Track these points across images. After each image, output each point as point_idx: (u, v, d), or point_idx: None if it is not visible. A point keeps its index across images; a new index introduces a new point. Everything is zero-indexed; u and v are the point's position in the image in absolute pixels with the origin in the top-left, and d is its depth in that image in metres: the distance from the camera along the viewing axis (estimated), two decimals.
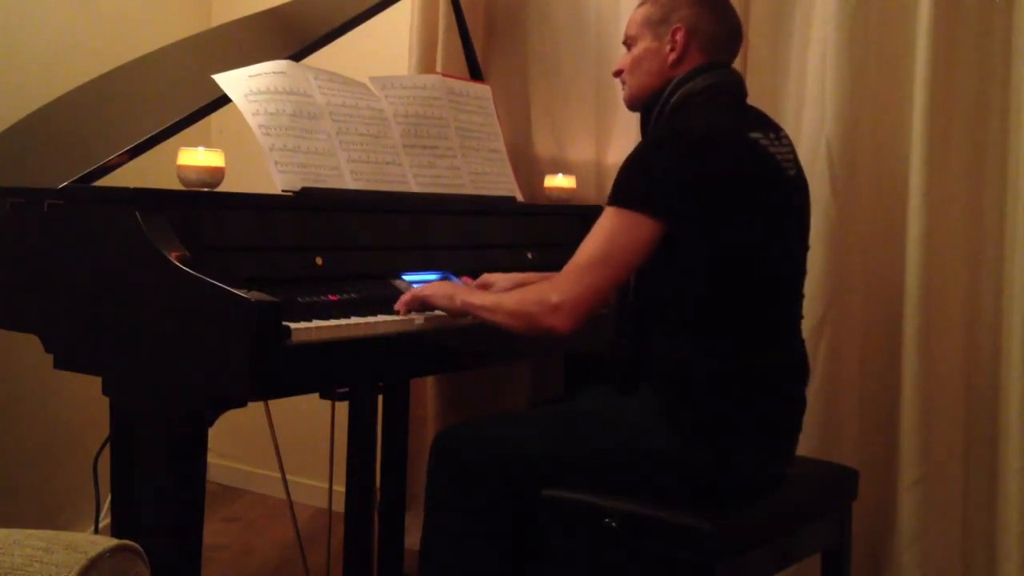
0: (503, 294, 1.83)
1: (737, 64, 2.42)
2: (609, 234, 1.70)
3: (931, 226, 2.25)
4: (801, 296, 1.87)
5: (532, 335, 1.77)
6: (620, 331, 1.83)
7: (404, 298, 1.90)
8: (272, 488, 3.26)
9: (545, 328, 1.71)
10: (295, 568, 2.72)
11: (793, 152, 1.84)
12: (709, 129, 1.73)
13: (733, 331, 1.74)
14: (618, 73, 1.95)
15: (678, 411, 1.73)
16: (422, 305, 1.90)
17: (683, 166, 1.69)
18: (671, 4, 1.87)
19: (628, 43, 1.93)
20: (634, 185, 1.71)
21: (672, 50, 1.84)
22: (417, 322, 1.88)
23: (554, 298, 1.69)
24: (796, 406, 1.84)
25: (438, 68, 2.77)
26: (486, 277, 2.09)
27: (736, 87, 1.87)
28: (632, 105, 1.94)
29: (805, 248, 1.87)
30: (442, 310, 1.88)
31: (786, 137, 1.84)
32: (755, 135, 1.75)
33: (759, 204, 1.73)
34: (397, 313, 1.89)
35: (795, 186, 1.82)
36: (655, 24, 1.87)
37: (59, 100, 2.50)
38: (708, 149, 1.70)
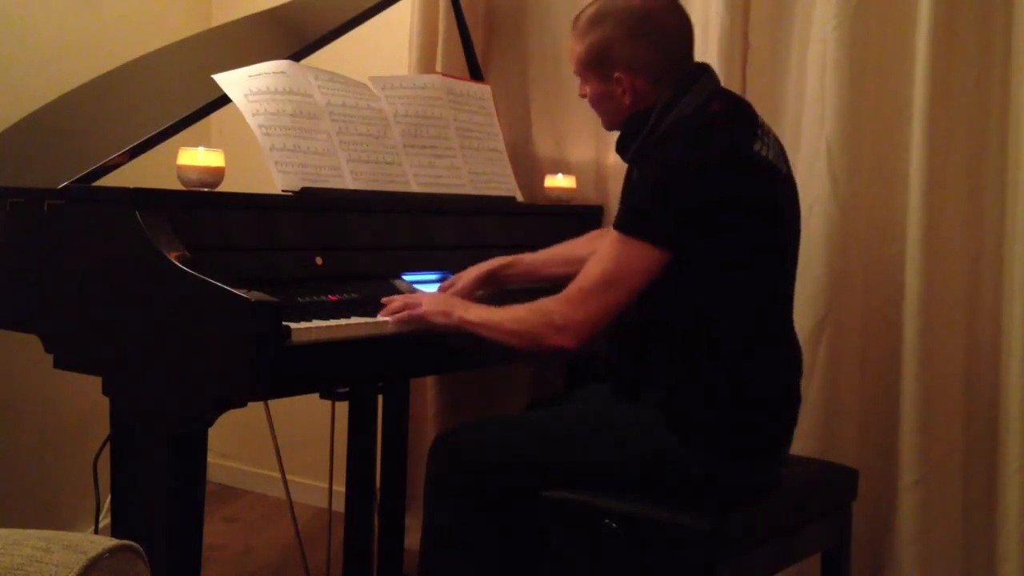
0: (503, 311, 1.80)
1: (737, 64, 2.44)
2: (616, 261, 1.70)
3: (931, 226, 2.25)
4: (793, 283, 1.87)
5: (537, 354, 1.80)
6: (620, 342, 1.84)
7: (395, 307, 1.84)
8: (272, 488, 3.26)
9: (551, 347, 1.73)
10: (295, 568, 2.72)
11: (779, 145, 1.83)
12: (714, 156, 1.70)
13: (733, 337, 1.74)
14: (583, 96, 1.91)
15: (678, 413, 1.73)
16: (419, 323, 1.84)
17: (691, 196, 1.68)
18: (600, 44, 1.79)
19: (577, 74, 1.88)
20: (644, 213, 1.71)
21: (624, 93, 1.80)
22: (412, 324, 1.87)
23: (558, 320, 1.71)
24: (793, 402, 1.84)
25: (438, 68, 2.77)
26: (454, 277, 2.08)
27: (717, 90, 1.83)
28: (608, 129, 1.93)
29: (798, 241, 1.87)
30: (439, 328, 1.84)
31: (769, 129, 1.82)
32: (756, 146, 1.74)
33: (762, 219, 1.74)
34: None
35: (787, 184, 1.83)
36: (593, 66, 1.82)
37: (59, 100, 2.50)
38: (714, 177, 1.69)
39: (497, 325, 1.78)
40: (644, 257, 1.69)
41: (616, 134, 1.89)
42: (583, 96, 1.92)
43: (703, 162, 1.70)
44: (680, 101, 1.77)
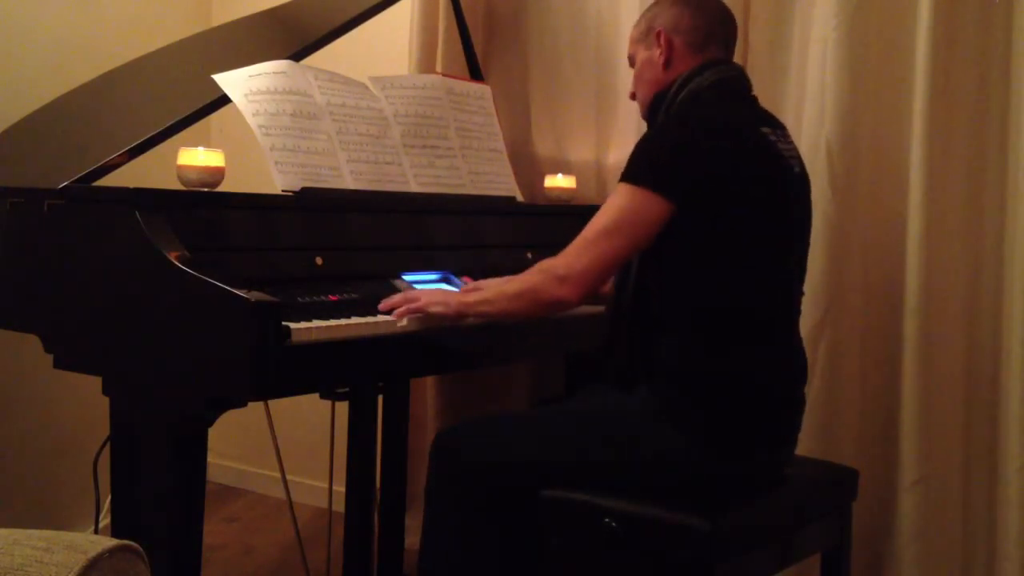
0: (499, 281, 1.83)
1: (737, 64, 2.44)
2: (618, 209, 1.72)
3: (931, 226, 2.25)
4: (801, 294, 1.87)
5: (540, 311, 1.78)
6: (617, 330, 1.84)
7: (395, 302, 1.85)
8: (272, 488, 3.26)
9: (554, 300, 1.72)
10: (295, 568, 2.72)
11: (796, 150, 1.86)
12: (722, 120, 1.77)
13: (733, 331, 1.74)
14: (633, 96, 1.99)
15: (678, 411, 1.73)
16: (417, 315, 1.85)
17: (695, 151, 1.71)
18: (651, 15, 1.93)
19: (631, 63, 1.98)
20: (645, 163, 1.74)
21: (660, 53, 1.88)
22: (416, 324, 1.87)
23: (560, 270, 1.71)
24: (795, 405, 1.84)
25: (438, 68, 2.77)
26: (480, 283, 2.05)
27: (742, 83, 1.89)
28: (644, 116, 1.97)
29: (806, 246, 1.88)
30: (440, 318, 1.85)
31: (788, 134, 1.87)
32: (765, 129, 1.78)
33: (764, 199, 1.75)
34: (386, 313, 1.84)
35: (799, 183, 1.84)
36: (643, 37, 1.93)
37: (59, 100, 2.50)
38: (720, 138, 1.73)
39: (497, 296, 1.80)
40: (646, 206, 1.70)
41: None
42: (633, 97, 1.98)
43: (710, 122, 1.75)
44: (700, 75, 1.83)
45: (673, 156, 1.72)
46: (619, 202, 1.72)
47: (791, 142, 1.86)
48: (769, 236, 1.76)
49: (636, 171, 1.73)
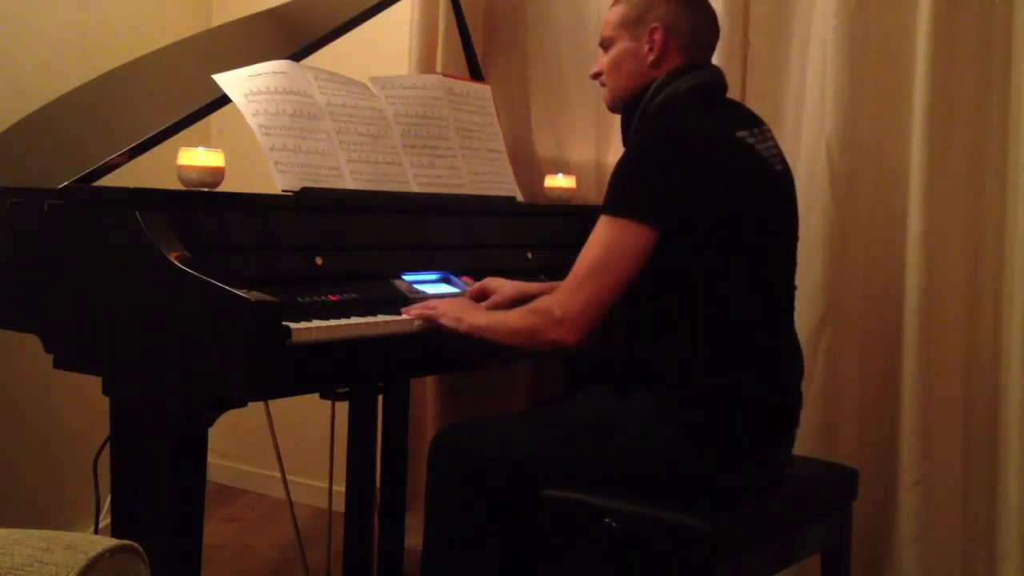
0: (507, 314, 1.83)
1: (737, 64, 2.45)
2: (605, 244, 1.70)
3: (931, 226, 2.25)
4: (793, 288, 1.87)
5: (538, 350, 1.79)
6: (614, 333, 1.84)
7: (414, 311, 1.88)
8: (272, 488, 3.26)
9: (550, 342, 1.72)
10: (295, 568, 2.72)
11: (777, 146, 1.85)
12: (697, 131, 1.74)
13: (728, 329, 1.74)
14: (596, 75, 1.95)
15: (677, 411, 1.73)
16: (429, 323, 1.87)
17: (673, 171, 1.69)
18: (646, 3, 1.85)
19: (604, 44, 1.92)
20: (626, 193, 1.71)
21: (651, 50, 1.84)
22: (416, 322, 1.88)
23: (557, 312, 1.70)
24: (793, 402, 1.84)
25: (438, 68, 2.77)
26: (489, 282, 2.06)
27: (718, 85, 1.87)
28: (613, 107, 1.94)
29: (795, 240, 1.87)
30: (450, 332, 1.85)
31: (768, 131, 1.85)
32: (741, 133, 1.77)
33: (749, 203, 1.74)
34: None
35: (782, 181, 1.84)
36: (631, 24, 1.86)
37: (59, 100, 2.50)
38: (697, 152, 1.71)
39: (501, 326, 1.79)
40: (632, 236, 1.69)
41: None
42: (595, 76, 1.94)
43: (684, 136, 1.73)
44: (677, 79, 1.81)
45: (652, 184, 1.70)
46: (604, 237, 1.70)
47: (771, 139, 1.84)
48: (757, 238, 1.75)
49: (617, 202, 1.71)
